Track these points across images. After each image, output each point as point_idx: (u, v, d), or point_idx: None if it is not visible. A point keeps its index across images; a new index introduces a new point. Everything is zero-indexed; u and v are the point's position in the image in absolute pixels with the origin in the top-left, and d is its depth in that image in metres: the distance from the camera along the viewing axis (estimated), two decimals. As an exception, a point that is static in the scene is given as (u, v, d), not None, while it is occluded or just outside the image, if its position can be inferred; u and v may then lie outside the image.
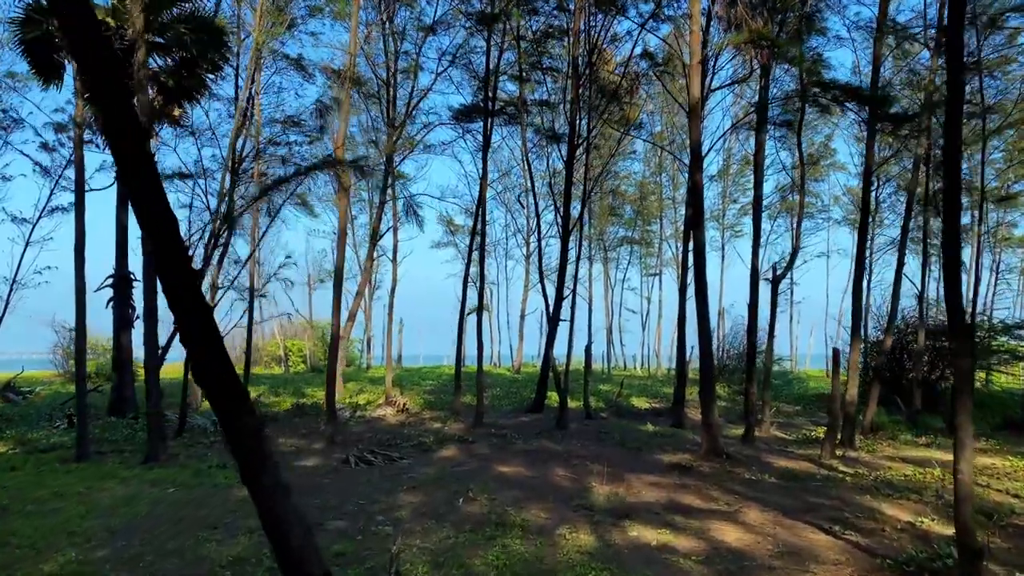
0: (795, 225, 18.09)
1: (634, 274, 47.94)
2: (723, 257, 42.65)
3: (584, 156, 18.58)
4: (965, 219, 39.80)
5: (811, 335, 57.86)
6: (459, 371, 19.91)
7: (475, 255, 19.46)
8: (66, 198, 29.32)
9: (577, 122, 17.40)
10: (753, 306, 15.72)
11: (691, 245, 19.20)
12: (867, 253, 38.72)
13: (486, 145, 18.18)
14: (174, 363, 32.49)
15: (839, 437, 14.12)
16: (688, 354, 20.75)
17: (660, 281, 45.24)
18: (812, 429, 18.16)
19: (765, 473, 11.52)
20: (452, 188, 46.87)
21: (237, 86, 24.25)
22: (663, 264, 44.88)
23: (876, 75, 13.89)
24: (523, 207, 33.83)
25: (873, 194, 39.16)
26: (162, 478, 11.60)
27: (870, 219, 38.83)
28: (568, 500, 9.52)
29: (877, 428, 17.06)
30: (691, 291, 19.40)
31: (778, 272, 17.28)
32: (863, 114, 14.64)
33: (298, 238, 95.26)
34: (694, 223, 12.69)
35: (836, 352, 13.10)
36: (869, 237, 39.33)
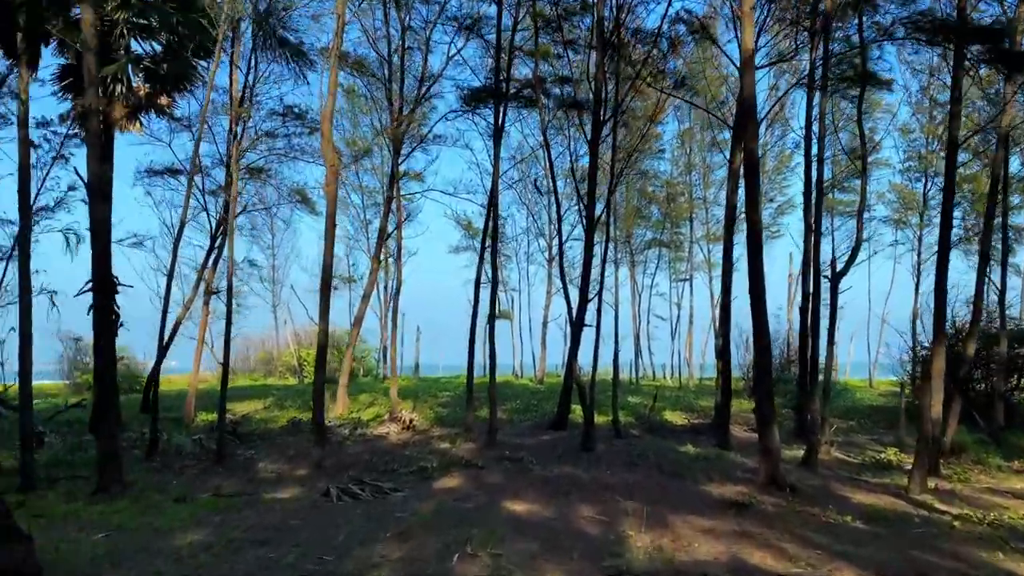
0: (856, 213, 15.66)
1: (662, 279, 45.18)
2: (758, 260, 40.03)
3: (610, 135, 16.30)
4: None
5: (851, 341, 54.28)
6: (471, 383, 17.70)
7: (488, 253, 17.27)
8: (52, 197, 27.69)
9: (604, 94, 15.13)
10: (814, 307, 13.35)
11: (726, 244, 16.99)
12: (920, 250, 36.02)
13: (497, 133, 16.01)
14: (184, 374, 30.83)
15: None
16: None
17: (691, 286, 42.59)
18: (879, 450, 15.65)
19: (846, 513, 9.13)
20: (466, 183, 44.59)
21: (232, 73, 22.50)
22: (694, 268, 42.27)
23: (963, 16, 11.40)
24: (540, 193, 31.42)
25: (921, 189, 36.56)
26: (102, 517, 9.57)
27: (920, 217, 36.25)
28: (596, 556, 7.25)
29: (959, 449, 14.52)
30: (731, 286, 17.12)
31: (838, 268, 14.84)
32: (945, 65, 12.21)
33: (311, 242, 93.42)
34: (749, 202, 10.41)
35: (928, 362, 10.62)
36: (918, 235, 36.70)
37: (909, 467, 13.42)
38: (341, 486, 10.59)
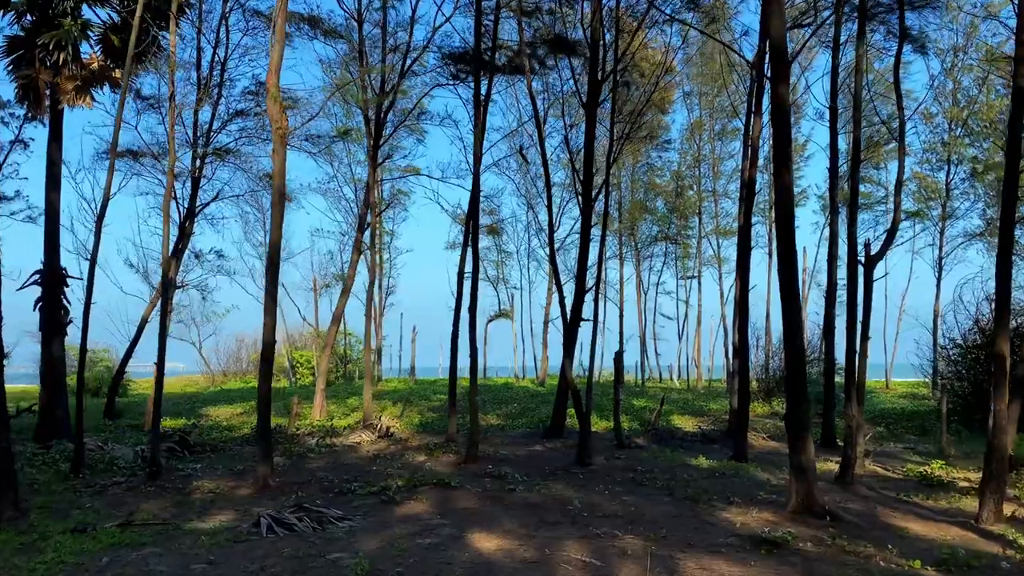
0: (894, 189, 13.61)
1: (669, 277, 43.13)
2: (770, 254, 37.84)
3: (609, 97, 14.25)
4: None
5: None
6: (454, 386, 15.69)
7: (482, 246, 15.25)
8: (10, 186, 25.81)
9: (602, 48, 13.05)
10: (850, 294, 11.30)
11: (743, 226, 14.99)
12: (942, 243, 33.86)
13: (477, 100, 14.02)
14: (172, 376, 28.98)
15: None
16: (732, 361, 16.25)
17: (699, 284, 40.46)
18: (920, 462, 13.63)
19: (911, 556, 7.04)
20: (455, 166, 42.26)
21: (199, 47, 20.72)
22: (703, 264, 40.19)
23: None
24: (526, 161, 29.43)
25: (944, 178, 34.38)
26: (-32, 555, 7.62)
27: (942, 208, 34.05)
28: (582, 625, 5.26)
29: (1019, 463, 12.45)
30: (748, 274, 15.15)
31: (872, 252, 12.78)
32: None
33: (304, 241, 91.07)
34: (778, 159, 8.36)
35: (1001, 356, 8.55)
36: (940, 228, 34.51)
37: (962, 484, 11.47)
38: (275, 515, 8.60)
